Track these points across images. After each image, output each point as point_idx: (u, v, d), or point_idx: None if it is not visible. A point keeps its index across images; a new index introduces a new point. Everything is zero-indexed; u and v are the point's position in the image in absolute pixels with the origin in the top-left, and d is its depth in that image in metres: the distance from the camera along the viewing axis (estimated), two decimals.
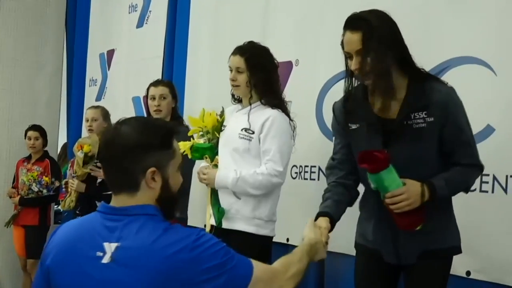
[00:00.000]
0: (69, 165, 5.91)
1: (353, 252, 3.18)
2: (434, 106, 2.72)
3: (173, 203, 2.18)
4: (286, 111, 3.73)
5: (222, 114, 3.88)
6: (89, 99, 7.16)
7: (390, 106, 2.77)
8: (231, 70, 3.76)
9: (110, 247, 2.01)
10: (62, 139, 7.84)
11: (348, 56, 2.78)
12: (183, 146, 3.78)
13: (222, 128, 3.83)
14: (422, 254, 2.86)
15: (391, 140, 2.77)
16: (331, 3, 4.26)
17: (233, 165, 3.67)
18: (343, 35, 2.76)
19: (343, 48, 2.78)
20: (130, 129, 2.08)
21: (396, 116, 2.78)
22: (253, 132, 3.65)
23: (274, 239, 4.27)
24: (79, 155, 5.29)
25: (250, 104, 3.74)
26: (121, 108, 6.26)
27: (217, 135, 3.83)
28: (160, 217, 2.07)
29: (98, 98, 6.98)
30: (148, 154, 2.06)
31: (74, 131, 7.21)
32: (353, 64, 2.72)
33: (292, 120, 3.74)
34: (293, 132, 3.73)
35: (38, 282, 2.21)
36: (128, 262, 1.97)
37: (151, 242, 1.98)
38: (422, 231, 2.79)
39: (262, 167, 3.62)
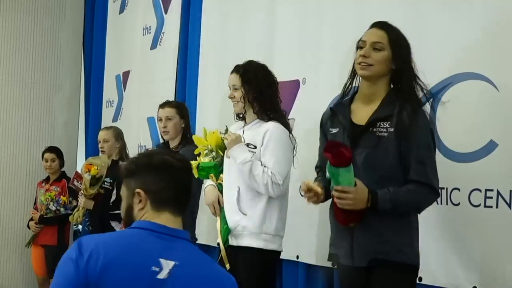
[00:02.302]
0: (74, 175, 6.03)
1: None
2: (396, 119, 2.91)
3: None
4: (286, 125, 3.75)
5: (226, 132, 3.89)
6: (106, 120, 7.21)
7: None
8: (230, 88, 3.84)
9: (167, 264, 2.03)
10: (81, 159, 7.88)
11: (360, 46, 3.01)
12: None
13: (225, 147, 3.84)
14: (372, 260, 2.93)
15: (357, 144, 2.94)
16: (337, 22, 4.25)
17: (237, 181, 3.68)
18: (367, 30, 3.05)
19: (359, 42, 3.04)
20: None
21: (365, 123, 2.98)
22: (255, 147, 3.68)
23: (284, 256, 4.28)
24: (86, 177, 5.41)
25: (252, 120, 3.78)
26: (135, 129, 6.29)
27: (221, 153, 3.84)
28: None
29: (115, 119, 7.03)
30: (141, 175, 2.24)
31: (91, 152, 7.22)
32: (363, 51, 2.98)
33: (291, 134, 3.75)
34: (294, 146, 3.76)
35: None
36: (186, 281, 2.03)
37: (208, 267, 2.14)
38: (375, 239, 2.91)
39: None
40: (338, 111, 3.14)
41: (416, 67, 3.04)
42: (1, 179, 7.24)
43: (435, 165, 2.96)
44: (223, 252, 3.75)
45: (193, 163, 3.83)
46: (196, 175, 3.85)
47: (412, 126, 2.90)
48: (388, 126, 2.93)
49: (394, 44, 2.98)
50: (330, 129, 3.13)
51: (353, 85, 3.16)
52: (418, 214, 3.04)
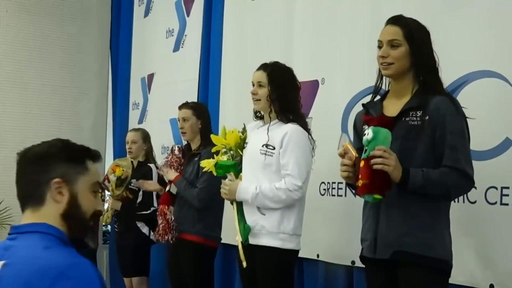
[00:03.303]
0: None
1: None
2: (430, 107, 2.86)
3: (82, 225, 2.07)
4: (305, 127, 3.72)
5: (244, 131, 3.88)
6: (132, 122, 7.25)
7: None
8: (253, 85, 3.81)
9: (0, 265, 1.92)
10: (109, 161, 7.90)
11: (379, 46, 2.99)
12: (207, 164, 3.82)
13: (244, 145, 3.83)
14: (395, 252, 2.86)
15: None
16: (353, 22, 4.22)
17: (255, 181, 3.67)
18: (383, 28, 3.03)
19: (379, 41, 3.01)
20: (44, 144, 2.07)
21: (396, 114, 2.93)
22: (274, 148, 3.66)
23: (305, 255, 4.28)
24: (112, 178, 5.47)
25: (271, 120, 3.74)
26: (159, 130, 6.31)
27: (240, 152, 3.83)
28: (50, 236, 1.97)
29: (140, 121, 7.07)
30: (54, 165, 2.01)
31: (119, 154, 7.27)
32: (380, 52, 2.96)
33: (310, 135, 3.73)
34: (313, 147, 3.72)
35: None
36: (9, 279, 1.87)
37: (28, 259, 1.89)
38: (400, 230, 2.85)
39: (281, 181, 3.61)
40: (370, 108, 3.10)
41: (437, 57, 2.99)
42: None
43: (469, 152, 2.90)
44: (240, 251, 3.73)
45: (211, 161, 3.84)
46: (214, 173, 3.87)
47: (446, 113, 2.84)
48: (421, 114, 2.87)
49: (410, 37, 2.94)
50: (364, 127, 3.04)
51: (383, 83, 3.12)
52: (449, 205, 2.97)
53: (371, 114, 3.03)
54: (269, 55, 4.36)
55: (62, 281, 1.83)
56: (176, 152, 4.84)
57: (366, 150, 2.81)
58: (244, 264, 3.70)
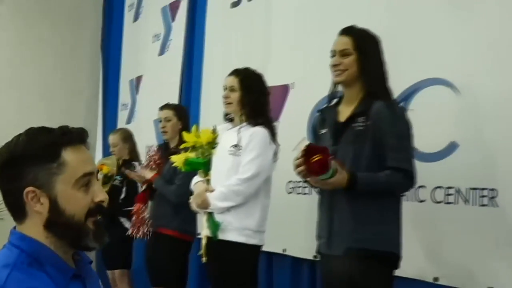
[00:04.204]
0: None
1: None
2: (371, 113, 3.01)
3: (72, 230, 1.66)
4: (271, 130, 3.85)
5: (214, 131, 4.03)
6: (121, 122, 7.42)
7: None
8: (225, 89, 3.94)
9: None
10: (99, 158, 8.04)
11: (333, 55, 3.16)
12: (177, 159, 3.98)
13: (215, 145, 3.98)
14: (349, 248, 3.00)
15: (339, 140, 3.06)
16: (324, 30, 4.37)
17: (224, 180, 3.80)
18: (336, 38, 3.19)
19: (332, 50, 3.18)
20: (10, 143, 1.67)
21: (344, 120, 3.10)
22: (241, 148, 3.79)
23: (273, 250, 4.43)
24: (99, 176, 5.56)
25: (241, 123, 3.89)
26: (146, 130, 6.47)
27: (211, 151, 3.97)
28: (17, 251, 1.63)
29: (128, 121, 7.23)
30: (23, 170, 1.63)
31: (108, 152, 7.39)
32: (333, 61, 3.14)
33: (275, 139, 3.86)
34: (276, 151, 3.85)
35: None
36: None
37: None
38: (352, 227, 2.99)
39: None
40: (326, 113, 3.28)
41: (386, 66, 3.16)
42: None
43: (409, 152, 3.04)
44: (203, 246, 3.88)
45: (181, 156, 4.00)
46: (182, 169, 4.04)
47: (385, 118, 2.99)
48: (364, 120, 3.03)
49: (359, 47, 3.10)
50: (320, 130, 3.25)
51: (337, 90, 3.28)
52: (399, 201, 3.11)
53: (326, 120, 3.20)
54: (247, 60, 4.53)
55: None
56: (152, 153, 4.99)
57: None
58: (204, 259, 3.86)
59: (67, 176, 1.65)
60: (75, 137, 1.69)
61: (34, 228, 1.66)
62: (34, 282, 1.58)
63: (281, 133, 4.05)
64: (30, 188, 1.62)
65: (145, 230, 4.86)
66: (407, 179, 3.02)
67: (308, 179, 3.06)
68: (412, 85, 3.63)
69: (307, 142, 3.09)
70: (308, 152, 2.86)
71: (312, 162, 2.81)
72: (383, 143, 2.99)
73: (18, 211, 1.67)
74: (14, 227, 1.71)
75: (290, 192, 4.48)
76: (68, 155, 1.66)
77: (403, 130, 3.04)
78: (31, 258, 1.63)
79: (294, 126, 4.41)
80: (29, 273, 1.59)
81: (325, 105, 3.38)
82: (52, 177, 1.64)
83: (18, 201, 1.64)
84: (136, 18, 7.41)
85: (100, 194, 1.71)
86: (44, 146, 1.64)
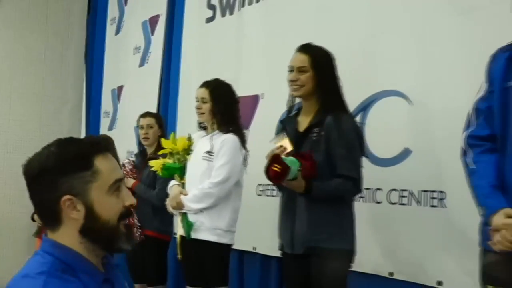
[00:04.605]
0: None
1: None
2: (325, 124, 3.11)
3: (107, 234, 1.67)
4: (241, 137, 3.94)
5: (190, 138, 4.12)
6: (103, 129, 7.45)
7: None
8: (197, 100, 4.03)
9: None
10: None
11: (290, 70, 3.25)
12: (155, 164, 4.08)
13: (190, 152, 4.07)
14: (308, 247, 3.11)
15: (299, 148, 3.15)
16: (291, 44, 4.47)
17: (198, 184, 3.88)
18: (294, 54, 3.27)
19: (289, 65, 3.27)
20: (40, 156, 1.66)
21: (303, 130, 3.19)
22: (213, 154, 3.87)
23: (244, 248, 4.51)
24: None
25: (213, 131, 3.97)
26: (126, 137, 6.52)
27: (187, 157, 4.06)
28: (50, 258, 1.62)
29: (110, 128, 7.27)
30: (60, 181, 1.62)
31: None
32: (290, 76, 3.22)
33: (244, 145, 3.94)
34: (245, 156, 3.94)
35: None
36: None
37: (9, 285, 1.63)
38: (311, 229, 3.11)
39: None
40: (286, 123, 3.38)
41: (340, 81, 3.26)
42: (14, 181, 7.46)
43: (357, 161, 3.14)
44: (178, 245, 3.97)
45: (159, 162, 4.09)
46: (160, 174, 4.14)
47: (336, 129, 3.10)
48: (318, 131, 3.14)
49: (315, 64, 3.21)
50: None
51: (294, 102, 3.39)
52: (352, 203, 3.22)
53: (287, 129, 3.29)
54: (220, 72, 4.57)
55: None
56: (127, 168, 5.03)
57: None
58: (179, 257, 3.95)
59: (101, 183, 1.65)
60: (103, 146, 1.70)
61: (68, 234, 1.65)
62: (70, 287, 1.58)
63: (251, 140, 4.15)
64: (67, 197, 1.61)
65: (137, 234, 4.90)
66: (355, 187, 3.15)
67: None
68: (370, 96, 3.74)
69: (286, 139, 3.22)
70: (274, 159, 2.99)
71: (271, 169, 2.95)
72: (334, 153, 3.10)
73: (53, 219, 1.65)
74: (45, 235, 1.70)
75: (259, 194, 4.58)
76: (100, 163, 1.65)
77: (352, 141, 3.14)
78: (64, 265, 1.62)
79: (264, 133, 4.45)
80: (63, 279, 1.58)
81: (286, 116, 3.47)
82: (87, 184, 1.63)
83: (53, 209, 1.63)
84: (117, 31, 7.45)
85: (129, 198, 1.71)
86: (77, 156, 1.63)
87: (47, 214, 1.66)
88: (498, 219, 2.25)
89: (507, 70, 2.34)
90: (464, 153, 2.48)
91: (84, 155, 1.64)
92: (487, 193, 2.34)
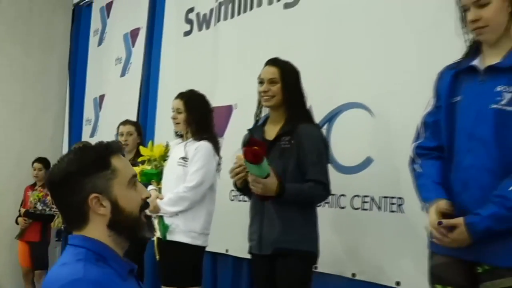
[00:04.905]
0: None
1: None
2: (296, 133, 3.19)
3: (132, 226, 1.79)
4: (214, 144, 4.00)
5: (167, 146, 4.20)
6: (85, 136, 7.44)
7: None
8: (173, 111, 4.10)
9: None
10: None
11: (261, 82, 3.34)
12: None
13: (166, 158, 4.14)
14: (275, 249, 3.18)
15: (267, 155, 3.14)
16: (262, 56, 4.56)
17: (173, 188, 3.94)
18: (263, 68, 3.36)
19: (259, 77, 3.35)
20: (62, 163, 1.77)
21: (272, 138, 3.26)
22: (188, 160, 3.94)
23: (217, 250, 4.57)
24: None
25: (188, 139, 4.04)
26: None
27: (163, 163, 4.13)
28: (82, 250, 1.72)
29: (92, 135, 7.28)
30: (84, 182, 1.73)
31: None
32: (262, 88, 3.33)
33: (218, 152, 4.01)
34: (219, 162, 4.01)
35: None
36: None
37: (50, 274, 1.72)
38: (279, 231, 3.17)
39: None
40: (254, 132, 3.46)
41: (305, 93, 3.35)
42: None
43: (325, 167, 3.24)
44: (156, 246, 4.03)
45: (137, 169, 4.15)
46: (139, 179, 4.18)
47: (307, 138, 3.20)
48: (289, 139, 3.22)
49: (284, 77, 3.31)
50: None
51: (262, 112, 3.48)
52: (316, 208, 3.31)
53: (255, 137, 3.35)
54: (196, 83, 4.62)
55: None
56: None
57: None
58: (157, 257, 4.01)
59: (121, 179, 1.77)
60: (115, 147, 1.83)
61: (96, 230, 1.75)
62: (106, 271, 1.69)
63: (225, 148, 4.20)
64: (93, 195, 1.73)
65: None
66: (325, 191, 3.24)
67: (240, 186, 3.29)
68: (335, 108, 3.84)
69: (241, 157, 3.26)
70: (250, 142, 3.05)
71: (249, 149, 2.98)
72: (305, 159, 3.19)
73: (80, 219, 1.76)
74: (70, 234, 1.80)
75: (232, 200, 4.65)
76: (116, 161, 1.79)
77: (322, 149, 3.25)
78: (97, 254, 1.72)
79: (237, 141, 4.47)
80: (99, 265, 1.69)
81: (253, 125, 3.54)
82: (109, 182, 1.75)
83: (81, 209, 1.74)
84: (100, 43, 7.49)
85: (144, 191, 1.84)
86: (96, 158, 1.76)
87: (75, 215, 1.77)
88: (431, 214, 2.37)
89: (453, 87, 2.44)
90: (413, 161, 2.58)
91: (102, 157, 1.77)
92: (428, 188, 2.45)
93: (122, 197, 1.77)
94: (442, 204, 2.37)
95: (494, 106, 2.28)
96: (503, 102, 2.27)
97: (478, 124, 2.31)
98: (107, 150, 1.80)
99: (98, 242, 1.75)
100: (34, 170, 6.97)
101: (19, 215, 6.88)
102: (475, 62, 2.40)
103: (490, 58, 2.37)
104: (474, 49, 2.45)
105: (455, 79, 2.44)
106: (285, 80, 3.31)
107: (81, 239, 1.75)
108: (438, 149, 2.50)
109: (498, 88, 2.29)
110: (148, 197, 1.85)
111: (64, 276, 1.65)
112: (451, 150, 2.43)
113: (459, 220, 2.27)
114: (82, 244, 1.74)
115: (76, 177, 1.73)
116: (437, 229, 2.35)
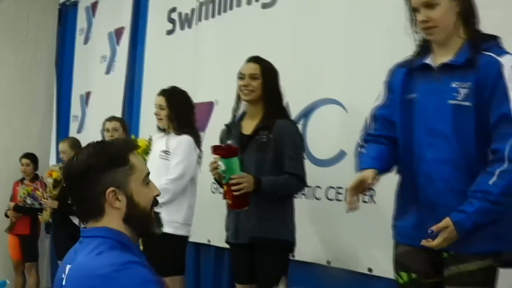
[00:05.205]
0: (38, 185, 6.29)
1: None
2: (274, 128, 3.23)
3: (145, 221, 1.82)
4: (195, 138, 4.04)
5: (150, 140, 4.24)
6: (73, 131, 7.44)
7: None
8: (156, 107, 4.14)
9: (67, 269, 1.75)
10: (53, 163, 8.07)
11: (241, 77, 3.36)
12: None
13: (149, 151, 4.18)
14: (252, 237, 3.24)
15: (245, 149, 3.25)
16: (243, 54, 4.60)
17: (156, 180, 3.95)
18: (245, 64, 3.39)
19: (240, 73, 3.39)
20: (81, 156, 1.78)
21: (250, 133, 3.29)
22: (169, 153, 3.99)
23: (200, 241, 4.61)
24: (49, 180, 5.65)
25: (170, 132, 4.08)
26: (93, 139, 6.50)
27: (145, 157, 4.17)
28: (109, 240, 1.74)
29: (79, 131, 7.28)
30: (103, 176, 1.75)
31: (61, 159, 7.47)
32: (243, 82, 3.33)
33: (198, 146, 4.05)
34: (199, 155, 4.04)
35: None
36: (71, 282, 1.72)
37: (83, 264, 1.71)
38: (255, 221, 3.22)
39: None
40: (231, 127, 3.50)
41: (282, 91, 3.41)
42: None
43: (302, 160, 3.31)
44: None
45: None
46: None
47: (285, 132, 3.26)
48: (267, 133, 3.27)
49: (264, 74, 3.36)
50: (226, 141, 3.45)
51: (240, 108, 3.52)
52: (293, 199, 3.37)
53: (232, 133, 3.42)
54: (179, 80, 4.71)
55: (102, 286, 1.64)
56: None
57: (224, 177, 3.14)
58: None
59: (138, 176, 1.80)
60: (133, 145, 1.88)
61: (112, 223, 1.77)
62: (134, 258, 1.71)
63: (207, 141, 4.23)
64: (111, 189, 1.75)
65: None
66: (301, 182, 3.30)
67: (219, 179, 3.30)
68: (310, 103, 3.90)
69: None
70: (214, 149, 3.15)
71: (216, 146, 3.13)
72: (282, 153, 3.24)
73: (96, 212, 1.77)
74: (81, 230, 1.83)
75: (213, 192, 4.68)
76: (133, 158, 1.81)
77: (298, 143, 3.31)
78: (121, 244, 1.74)
79: (218, 136, 4.60)
80: (126, 252, 1.72)
81: (230, 121, 3.57)
82: (127, 177, 1.77)
83: (98, 202, 1.76)
84: (86, 41, 7.48)
85: (155, 189, 1.87)
86: (115, 154, 1.78)
87: (91, 208, 1.78)
88: (353, 180, 2.47)
89: (406, 84, 2.48)
90: (360, 147, 2.64)
91: (121, 153, 1.79)
92: (364, 161, 2.54)
93: (137, 192, 1.79)
94: (368, 172, 2.44)
95: (452, 101, 2.33)
96: (459, 98, 2.32)
97: (437, 119, 2.36)
98: (126, 146, 1.83)
99: (122, 234, 1.77)
100: (22, 165, 6.92)
101: (8, 209, 6.87)
102: (428, 60, 2.44)
103: (441, 57, 2.41)
104: (424, 48, 2.49)
105: (408, 76, 2.49)
106: (266, 77, 3.36)
107: (105, 230, 1.76)
108: (385, 137, 2.56)
109: (453, 85, 2.34)
110: (158, 195, 1.86)
111: (108, 264, 1.65)
112: (410, 144, 2.47)
113: (447, 221, 2.27)
114: (106, 234, 1.75)
115: (96, 170, 1.75)
116: (350, 194, 2.43)
